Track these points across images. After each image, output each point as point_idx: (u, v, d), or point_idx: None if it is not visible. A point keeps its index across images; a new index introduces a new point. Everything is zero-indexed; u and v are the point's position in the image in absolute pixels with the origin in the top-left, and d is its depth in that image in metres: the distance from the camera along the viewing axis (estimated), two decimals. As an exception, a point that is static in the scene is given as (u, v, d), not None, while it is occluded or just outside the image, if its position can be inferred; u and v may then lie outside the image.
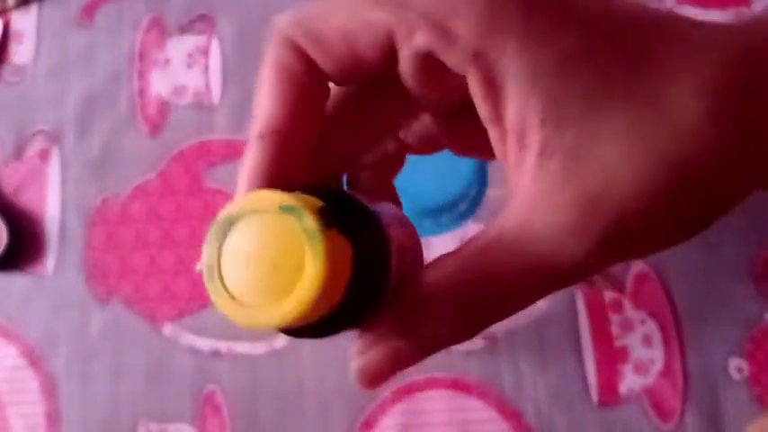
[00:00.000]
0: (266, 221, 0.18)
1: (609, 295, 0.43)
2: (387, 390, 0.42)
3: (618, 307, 0.43)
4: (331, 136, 0.22)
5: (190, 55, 0.49)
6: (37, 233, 0.46)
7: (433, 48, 0.19)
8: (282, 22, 0.21)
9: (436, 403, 0.42)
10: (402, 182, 0.28)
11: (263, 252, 0.18)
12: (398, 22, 0.19)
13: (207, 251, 0.19)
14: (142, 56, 0.49)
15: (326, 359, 0.43)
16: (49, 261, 0.46)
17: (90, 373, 0.44)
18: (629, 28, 0.19)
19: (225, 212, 0.18)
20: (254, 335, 0.43)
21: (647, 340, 0.42)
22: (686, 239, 0.19)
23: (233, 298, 0.18)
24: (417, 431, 0.41)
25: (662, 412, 0.41)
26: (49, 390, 0.44)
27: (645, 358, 0.42)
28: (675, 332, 0.42)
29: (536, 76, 0.18)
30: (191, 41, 0.49)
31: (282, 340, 0.43)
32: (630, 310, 0.43)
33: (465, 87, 0.19)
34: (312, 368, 0.43)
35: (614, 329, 0.43)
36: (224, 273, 0.19)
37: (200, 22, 0.50)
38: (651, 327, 0.43)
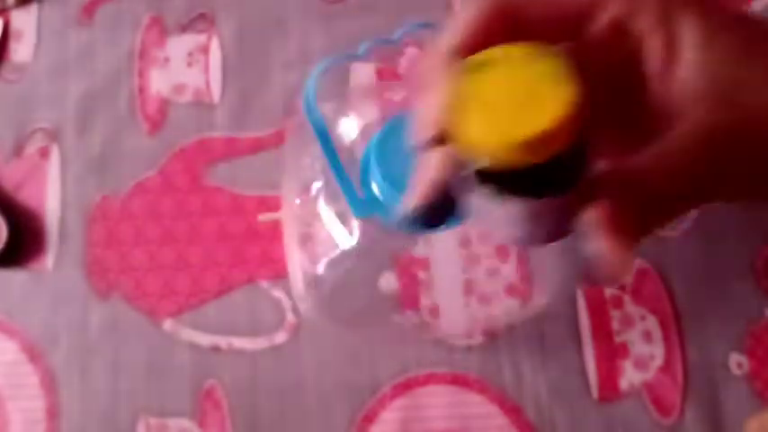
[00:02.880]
0: (515, 66, 0.20)
1: (609, 291, 0.43)
2: (387, 385, 0.42)
3: (618, 303, 0.43)
4: None
5: (190, 53, 0.49)
6: (37, 230, 0.46)
7: (623, 15, 0.24)
8: None
9: (436, 398, 0.42)
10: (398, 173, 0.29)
11: (515, 88, 0.20)
12: None
13: (452, 91, 0.21)
14: (142, 54, 0.49)
15: (327, 354, 0.43)
16: (49, 257, 0.46)
17: (90, 368, 0.44)
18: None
19: (470, 60, 0.21)
20: (253, 330, 0.43)
21: (647, 336, 0.42)
22: None
23: (486, 121, 0.20)
24: (417, 426, 0.41)
25: (662, 407, 0.41)
26: (49, 385, 0.43)
27: (645, 354, 0.42)
28: (675, 328, 0.43)
29: (706, 45, 0.23)
30: (191, 40, 0.49)
31: (282, 336, 0.43)
32: (631, 306, 0.43)
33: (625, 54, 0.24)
34: (312, 363, 0.43)
35: (614, 325, 0.43)
36: (471, 107, 0.20)
37: (200, 20, 0.50)
38: (651, 322, 0.43)
